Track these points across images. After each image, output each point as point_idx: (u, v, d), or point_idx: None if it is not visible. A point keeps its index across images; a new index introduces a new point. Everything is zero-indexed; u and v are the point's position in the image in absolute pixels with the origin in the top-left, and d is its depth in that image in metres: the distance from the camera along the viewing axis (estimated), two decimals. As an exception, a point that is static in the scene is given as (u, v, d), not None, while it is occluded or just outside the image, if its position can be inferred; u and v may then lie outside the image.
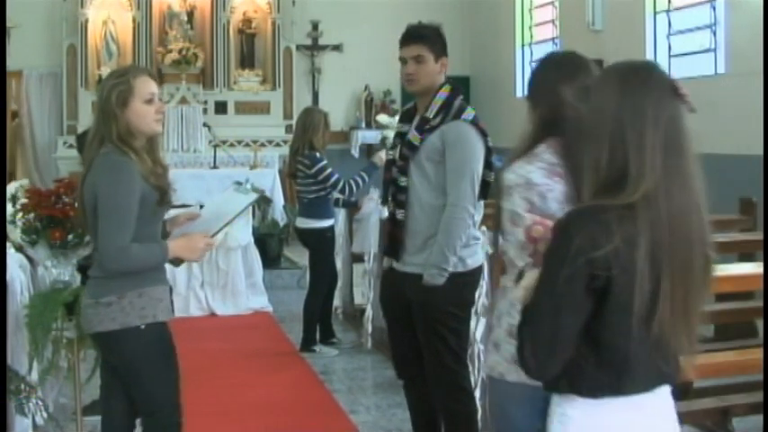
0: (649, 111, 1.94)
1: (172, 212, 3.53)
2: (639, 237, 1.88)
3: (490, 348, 2.90)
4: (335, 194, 6.59)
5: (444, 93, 3.81)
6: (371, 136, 13.20)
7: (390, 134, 6.36)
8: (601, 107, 1.99)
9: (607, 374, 1.97)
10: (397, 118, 4.14)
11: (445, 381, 3.82)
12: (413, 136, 3.79)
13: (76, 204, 3.31)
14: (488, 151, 3.78)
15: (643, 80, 1.98)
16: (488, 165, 3.77)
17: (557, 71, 2.79)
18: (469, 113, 3.79)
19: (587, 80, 2.58)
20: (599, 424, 2.00)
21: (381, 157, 5.95)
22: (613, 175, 1.94)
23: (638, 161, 1.92)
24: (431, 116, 3.77)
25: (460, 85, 3.96)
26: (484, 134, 3.77)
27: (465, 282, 3.80)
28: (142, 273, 3.19)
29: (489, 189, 3.77)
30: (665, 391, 2.07)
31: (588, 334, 1.95)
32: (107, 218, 3.10)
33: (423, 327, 3.82)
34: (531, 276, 2.03)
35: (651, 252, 1.89)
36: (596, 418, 2.00)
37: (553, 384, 2.03)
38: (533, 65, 3.72)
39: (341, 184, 6.43)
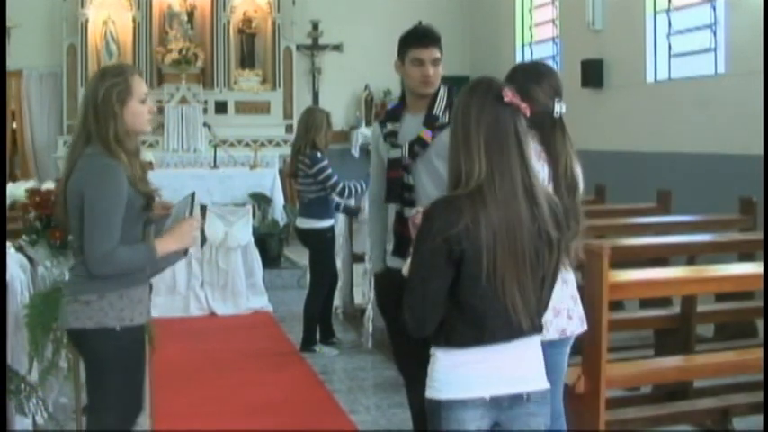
0: (473, 116, 2.45)
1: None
2: (481, 217, 2.39)
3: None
4: (335, 198, 6.59)
5: (444, 92, 3.88)
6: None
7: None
8: (453, 116, 2.55)
9: (470, 329, 2.47)
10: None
11: None
12: (425, 134, 3.81)
13: (57, 203, 3.27)
14: None
15: (471, 91, 2.51)
16: None
17: (525, 76, 3.23)
18: None
19: (552, 82, 3.23)
20: (463, 365, 2.50)
21: None
22: (455, 170, 2.47)
23: (467, 158, 2.43)
24: (439, 114, 3.82)
25: (454, 85, 4.00)
26: None
27: None
28: (125, 274, 3.17)
29: None
30: (528, 342, 2.54)
31: (453, 297, 2.45)
32: (94, 222, 3.05)
33: None
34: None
35: (491, 229, 2.39)
36: (462, 362, 2.50)
37: (434, 340, 2.53)
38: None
39: (340, 186, 6.43)
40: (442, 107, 3.83)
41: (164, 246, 3.20)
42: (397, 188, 3.88)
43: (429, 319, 2.47)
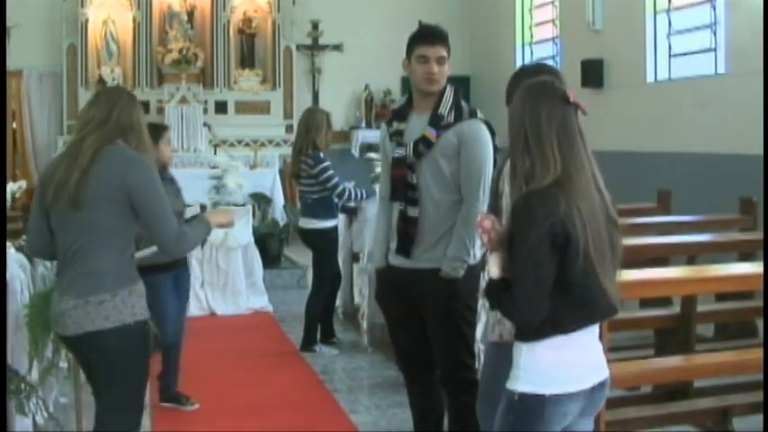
0: (543, 116, 2.57)
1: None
2: (572, 204, 2.50)
3: (495, 321, 3.34)
4: (334, 199, 6.58)
5: (450, 92, 3.88)
6: (372, 136, 13.20)
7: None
8: (511, 116, 2.65)
9: (581, 309, 2.57)
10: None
11: (459, 375, 3.85)
12: (429, 133, 3.82)
13: (75, 179, 3.17)
14: (495, 149, 3.87)
15: (538, 94, 2.61)
16: (494, 162, 3.85)
17: (519, 78, 3.31)
18: (480, 113, 3.89)
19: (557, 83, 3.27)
20: (563, 347, 2.57)
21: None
22: (524, 167, 2.58)
23: (541, 155, 2.54)
24: (445, 113, 3.83)
25: (460, 85, 4.01)
26: (494, 133, 3.87)
27: (478, 272, 3.82)
28: (129, 271, 3.25)
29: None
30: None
31: (561, 283, 2.52)
32: (161, 208, 3.23)
33: (439, 322, 3.82)
34: (492, 256, 2.63)
35: (581, 215, 2.51)
36: (562, 344, 2.57)
37: (535, 333, 2.56)
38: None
39: (340, 188, 6.41)
40: (448, 106, 3.83)
41: (214, 219, 3.59)
42: (402, 187, 3.88)
43: (542, 308, 2.52)
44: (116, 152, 3.23)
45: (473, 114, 3.86)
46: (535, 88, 2.65)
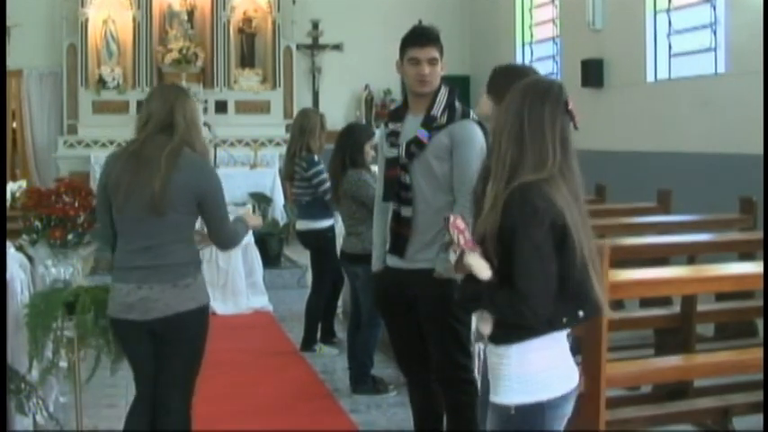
0: (547, 115, 2.55)
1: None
2: (566, 201, 2.49)
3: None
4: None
5: (445, 92, 3.88)
6: (372, 135, 13.19)
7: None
8: (507, 105, 2.62)
9: (574, 305, 2.54)
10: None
11: (453, 374, 3.85)
12: (420, 134, 3.83)
13: (157, 190, 3.47)
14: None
15: (543, 95, 2.58)
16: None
17: (505, 77, 3.35)
18: (474, 114, 3.88)
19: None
20: (548, 348, 2.55)
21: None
22: (516, 155, 2.53)
23: (538, 149, 2.51)
24: (437, 115, 3.82)
25: (456, 86, 4.01)
26: (487, 134, 3.84)
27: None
28: (198, 258, 3.71)
29: None
30: None
31: (557, 279, 2.48)
32: (224, 208, 3.66)
33: (433, 322, 3.83)
34: (475, 257, 2.52)
35: (571, 212, 2.49)
36: (548, 345, 2.54)
37: (531, 330, 2.51)
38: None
39: (330, 194, 6.37)
40: (441, 108, 3.83)
41: (251, 221, 3.99)
42: (395, 187, 3.89)
43: (550, 302, 2.48)
44: (188, 160, 3.53)
45: (465, 115, 3.85)
46: (543, 86, 2.64)
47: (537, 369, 2.52)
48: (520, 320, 2.51)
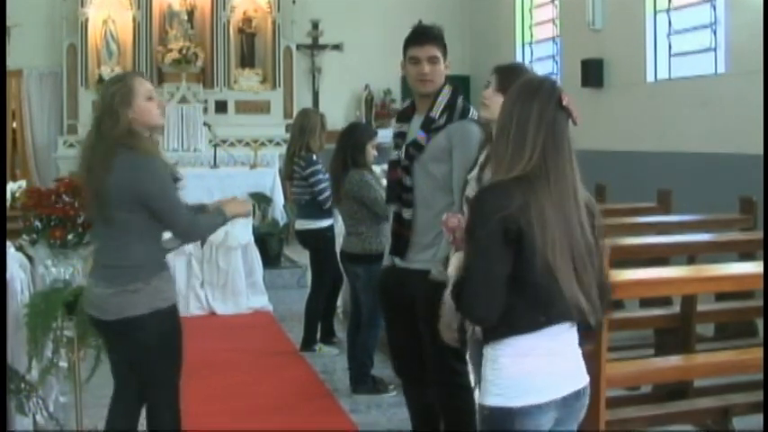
0: (534, 114, 2.51)
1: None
2: (531, 200, 2.43)
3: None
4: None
5: (447, 92, 3.85)
6: (371, 135, 13.19)
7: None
8: (502, 111, 2.61)
9: (535, 309, 2.46)
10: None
11: (447, 379, 3.83)
12: (419, 136, 3.81)
13: (92, 199, 3.47)
14: None
15: (534, 92, 2.55)
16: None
17: (505, 76, 3.40)
18: (474, 113, 3.84)
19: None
20: (527, 355, 2.49)
21: None
22: (500, 156, 2.53)
23: (517, 148, 2.48)
24: (436, 116, 3.80)
25: (460, 85, 3.98)
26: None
27: None
28: (156, 260, 3.51)
29: None
30: (574, 330, 2.58)
31: (516, 281, 2.43)
32: (169, 205, 3.46)
33: (426, 323, 3.82)
34: (458, 257, 2.57)
35: (543, 214, 2.42)
36: (524, 352, 2.48)
37: (492, 333, 2.50)
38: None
39: (326, 194, 6.34)
40: (440, 108, 3.80)
41: (231, 209, 3.73)
42: (396, 189, 3.89)
43: (493, 306, 2.43)
44: (120, 159, 3.39)
45: (464, 115, 3.81)
46: (533, 85, 2.60)
47: (509, 375, 2.49)
48: (469, 321, 2.55)
